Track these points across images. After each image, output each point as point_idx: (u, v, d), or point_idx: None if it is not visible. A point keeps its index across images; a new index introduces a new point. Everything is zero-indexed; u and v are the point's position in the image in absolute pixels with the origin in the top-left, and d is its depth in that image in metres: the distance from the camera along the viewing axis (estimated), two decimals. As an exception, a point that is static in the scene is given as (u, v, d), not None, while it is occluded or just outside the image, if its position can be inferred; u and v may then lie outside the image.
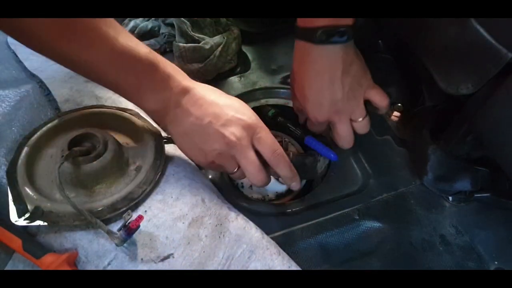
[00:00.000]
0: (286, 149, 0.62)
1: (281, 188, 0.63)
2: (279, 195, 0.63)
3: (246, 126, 0.46)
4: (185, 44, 0.66)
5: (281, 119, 0.65)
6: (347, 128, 0.55)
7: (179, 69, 0.48)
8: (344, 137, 0.56)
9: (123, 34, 0.43)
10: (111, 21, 0.42)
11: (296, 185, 0.52)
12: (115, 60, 0.42)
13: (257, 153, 0.48)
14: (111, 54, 0.42)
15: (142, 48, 0.44)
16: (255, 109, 0.68)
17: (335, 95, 0.51)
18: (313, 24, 0.48)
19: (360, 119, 0.54)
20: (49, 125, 0.51)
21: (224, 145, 0.46)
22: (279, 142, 0.64)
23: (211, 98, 0.47)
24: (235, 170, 0.49)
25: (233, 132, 0.45)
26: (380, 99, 0.54)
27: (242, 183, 0.63)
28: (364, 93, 0.54)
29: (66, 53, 0.41)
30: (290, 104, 0.67)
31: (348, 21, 0.48)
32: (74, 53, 0.41)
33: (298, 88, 0.55)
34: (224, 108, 0.46)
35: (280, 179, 0.60)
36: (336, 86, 0.51)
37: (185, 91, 0.47)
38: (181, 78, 0.47)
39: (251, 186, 0.63)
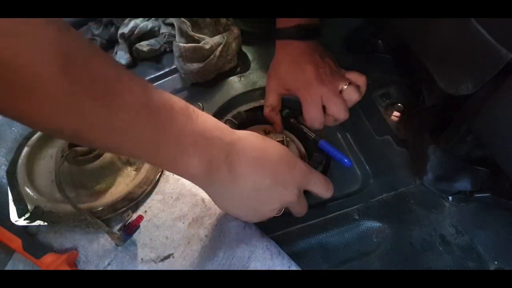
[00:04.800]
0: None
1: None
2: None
3: (301, 181, 0.46)
4: (185, 44, 0.66)
5: (295, 120, 0.65)
6: (339, 98, 0.59)
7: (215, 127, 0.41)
8: (338, 107, 0.59)
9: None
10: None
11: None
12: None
13: None
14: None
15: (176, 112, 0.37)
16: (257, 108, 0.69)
17: (318, 70, 0.59)
18: (292, 24, 0.59)
19: (345, 86, 0.59)
20: (49, 125, 0.51)
21: (286, 203, 0.46)
22: (280, 141, 0.64)
23: (261, 154, 0.43)
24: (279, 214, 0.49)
25: (293, 191, 0.45)
26: (357, 76, 0.60)
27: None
28: (344, 74, 0.61)
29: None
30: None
31: (317, 21, 0.60)
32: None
33: (289, 79, 0.61)
34: (278, 165, 0.44)
35: None
36: (319, 64, 0.59)
37: (229, 151, 0.41)
38: (222, 134, 0.41)
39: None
